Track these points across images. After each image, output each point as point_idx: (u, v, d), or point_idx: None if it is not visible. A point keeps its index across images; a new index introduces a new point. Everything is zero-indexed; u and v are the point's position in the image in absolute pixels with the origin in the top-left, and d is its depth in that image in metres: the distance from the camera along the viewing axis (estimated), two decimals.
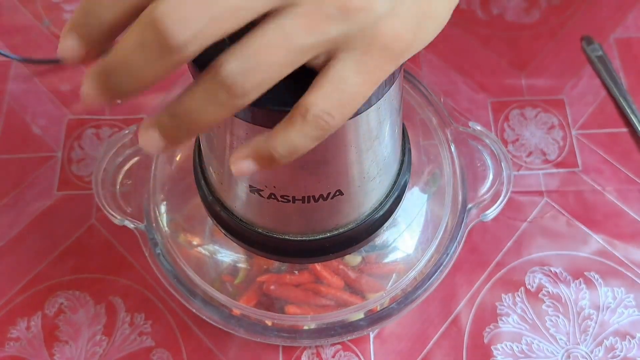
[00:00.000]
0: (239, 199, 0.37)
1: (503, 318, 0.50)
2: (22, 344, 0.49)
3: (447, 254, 0.43)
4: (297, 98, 0.25)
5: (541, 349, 0.48)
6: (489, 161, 0.46)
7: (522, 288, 0.51)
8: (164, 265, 0.43)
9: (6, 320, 0.50)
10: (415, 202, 0.45)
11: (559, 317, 0.49)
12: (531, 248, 0.52)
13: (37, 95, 0.60)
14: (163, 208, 0.46)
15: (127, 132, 0.47)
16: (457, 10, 0.63)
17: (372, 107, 0.30)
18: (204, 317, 0.43)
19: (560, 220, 0.53)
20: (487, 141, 0.46)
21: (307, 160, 0.28)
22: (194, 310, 0.43)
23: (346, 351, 0.49)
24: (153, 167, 0.47)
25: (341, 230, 0.38)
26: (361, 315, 0.43)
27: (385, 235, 0.42)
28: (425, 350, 0.49)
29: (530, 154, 0.56)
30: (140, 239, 0.45)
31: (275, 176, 0.33)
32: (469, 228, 0.44)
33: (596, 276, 0.51)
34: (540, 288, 0.51)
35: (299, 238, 0.38)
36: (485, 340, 0.49)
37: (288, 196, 0.34)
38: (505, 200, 0.45)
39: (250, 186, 0.34)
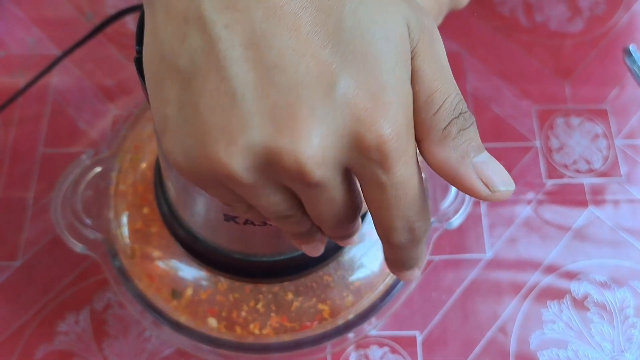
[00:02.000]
0: (213, 229, 0.37)
1: (549, 325, 0.50)
2: (71, 338, 0.50)
3: None
4: None
5: (587, 356, 0.49)
6: None
7: (568, 295, 0.51)
8: (122, 278, 0.43)
9: (55, 314, 0.50)
10: None
11: (603, 325, 0.50)
12: (576, 256, 0.53)
13: (82, 90, 0.60)
14: (125, 219, 0.45)
15: (84, 157, 0.47)
16: (501, 17, 0.64)
17: None
18: (160, 334, 0.43)
19: (604, 229, 0.54)
20: None
21: None
22: (145, 323, 0.43)
23: (394, 353, 0.49)
24: (115, 176, 0.46)
25: None
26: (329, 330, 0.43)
27: (353, 250, 0.42)
28: (472, 355, 0.49)
29: (574, 162, 0.56)
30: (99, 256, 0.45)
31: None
32: (432, 240, 0.44)
33: None
34: (585, 296, 0.51)
35: (276, 258, 0.38)
36: (532, 347, 0.49)
37: None
38: (467, 210, 0.45)
39: (225, 215, 0.34)
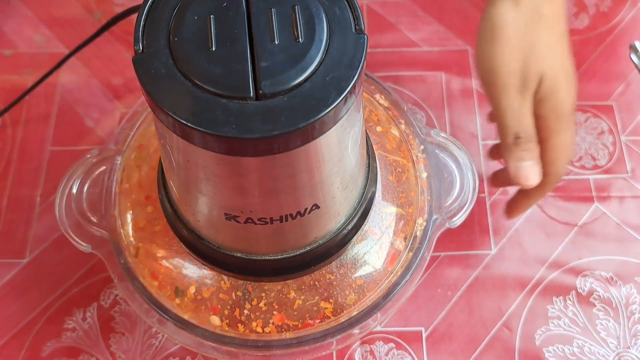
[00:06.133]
0: (215, 228, 0.37)
1: (554, 321, 0.50)
2: (78, 335, 0.50)
3: (411, 267, 0.43)
4: (259, 125, 0.28)
5: (592, 352, 0.49)
6: (455, 171, 0.47)
7: (574, 292, 0.51)
8: (127, 276, 0.43)
9: (62, 310, 0.51)
10: (384, 215, 0.44)
11: (609, 320, 0.50)
12: (582, 252, 0.53)
13: (89, 88, 0.61)
14: (129, 217, 0.45)
15: (88, 156, 0.47)
16: None
17: (340, 120, 0.30)
18: (167, 333, 0.43)
19: (610, 226, 0.54)
20: (454, 150, 0.47)
21: (284, 181, 0.28)
22: (148, 322, 0.43)
23: (399, 349, 0.49)
24: (119, 174, 0.46)
25: (319, 243, 0.38)
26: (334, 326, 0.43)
27: (356, 248, 0.42)
28: (477, 351, 0.49)
29: (580, 158, 0.56)
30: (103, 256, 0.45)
31: (251, 201, 0.34)
32: (436, 237, 0.45)
33: None
34: (591, 292, 0.51)
35: (278, 257, 0.38)
36: (537, 343, 0.49)
37: (265, 218, 0.35)
38: (471, 207, 0.45)
39: (226, 214, 0.35)
